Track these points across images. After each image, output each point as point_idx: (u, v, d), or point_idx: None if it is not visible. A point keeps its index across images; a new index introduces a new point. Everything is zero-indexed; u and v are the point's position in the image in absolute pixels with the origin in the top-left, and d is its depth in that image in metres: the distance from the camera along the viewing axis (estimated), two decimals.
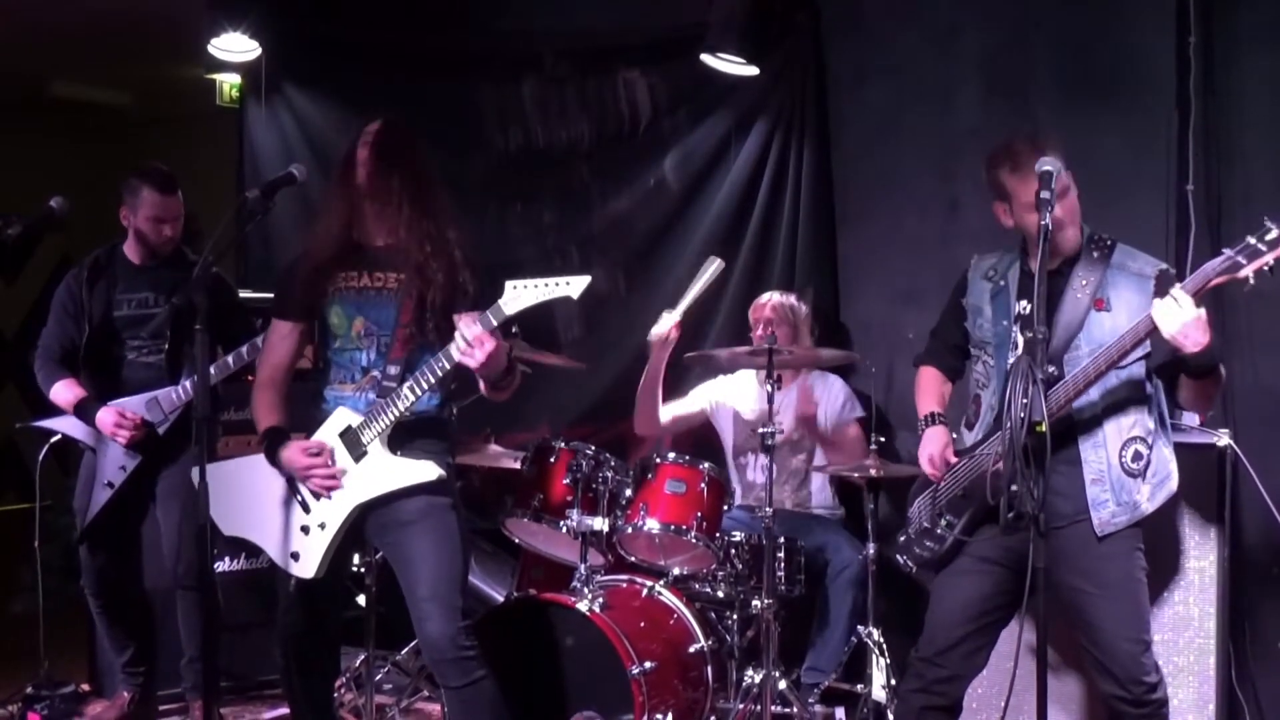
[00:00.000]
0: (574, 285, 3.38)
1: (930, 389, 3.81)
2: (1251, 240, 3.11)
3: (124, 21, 6.67)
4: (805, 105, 5.32)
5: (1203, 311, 3.14)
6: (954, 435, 3.70)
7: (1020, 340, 3.42)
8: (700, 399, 5.20)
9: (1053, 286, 3.40)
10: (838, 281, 5.36)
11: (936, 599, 3.64)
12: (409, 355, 3.54)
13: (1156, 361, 3.40)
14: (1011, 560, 3.40)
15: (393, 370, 3.53)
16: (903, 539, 3.73)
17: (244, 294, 5.16)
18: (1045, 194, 3.18)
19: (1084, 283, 3.43)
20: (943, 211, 5.00)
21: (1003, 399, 3.38)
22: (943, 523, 3.58)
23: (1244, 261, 3.10)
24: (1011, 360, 3.40)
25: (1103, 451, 3.42)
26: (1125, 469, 3.43)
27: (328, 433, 3.56)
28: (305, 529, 3.59)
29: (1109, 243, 3.49)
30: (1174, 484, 3.53)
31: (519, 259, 5.85)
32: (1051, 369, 3.35)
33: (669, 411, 5.10)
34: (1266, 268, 3.10)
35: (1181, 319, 3.12)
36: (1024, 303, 3.48)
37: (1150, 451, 3.46)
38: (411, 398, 3.47)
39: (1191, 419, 4.24)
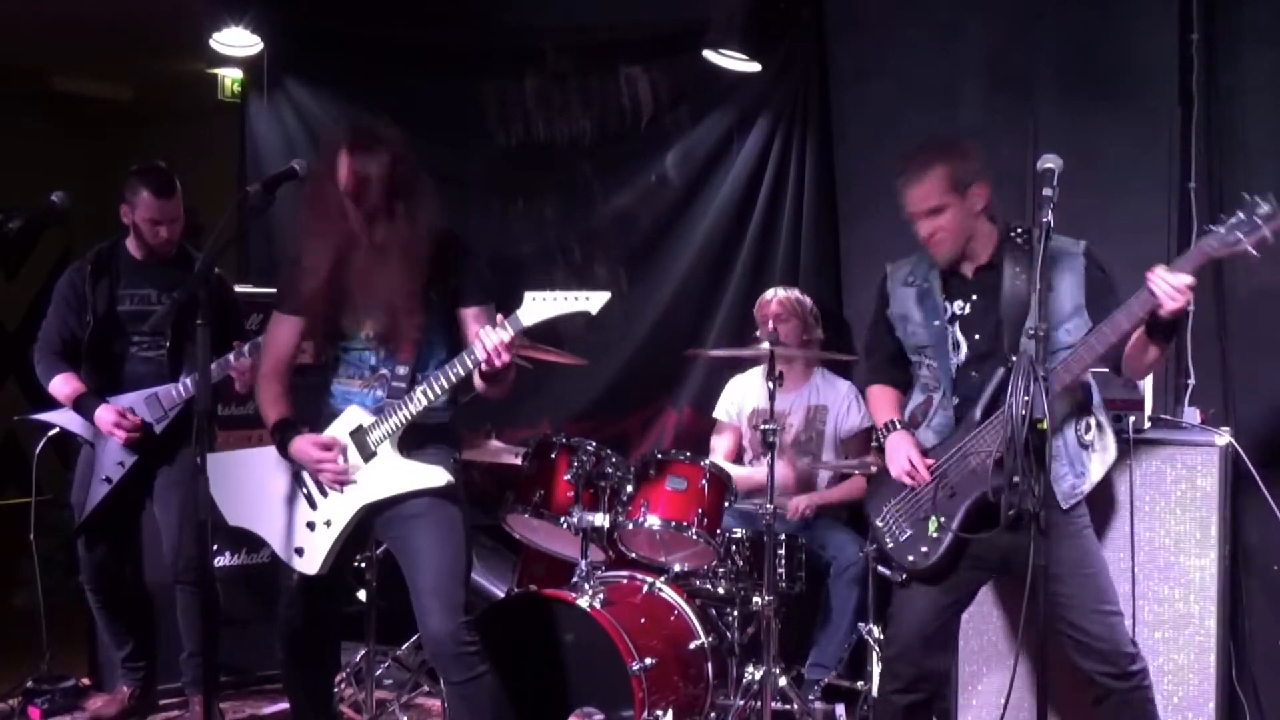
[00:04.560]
0: (593, 301, 3.38)
1: (881, 401, 3.80)
2: (1243, 215, 3.12)
3: (126, 16, 6.66)
4: (807, 102, 5.32)
5: (1194, 280, 3.17)
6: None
7: (962, 340, 3.52)
8: (725, 421, 5.17)
9: (989, 281, 3.50)
10: (840, 278, 5.37)
11: (906, 598, 3.64)
12: (417, 355, 3.55)
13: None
14: (985, 555, 3.50)
15: (401, 371, 3.54)
16: (876, 549, 3.71)
17: (245, 289, 5.16)
18: (1047, 191, 3.21)
19: (1017, 269, 3.46)
20: None
21: (964, 395, 3.50)
22: (934, 525, 3.54)
23: (1242, 236, 3.13)
24: (957, 359, 3.53)
25: (1060, 430, 3.45)
26: (1081, 442, 3.49)
27: (338, 431, 3.57)
28: (311, 525, 3.59)
29: (1027, 231, 3.51)
30: (1113, 453, 3.60)
31: (520, 255, 5.85)
32: (1013, 359, 3.36)
33: (731, 466, 4.97)
34: (1268, 240, 3.11)
35: (1174, 280, 3.15)
36: (959, 303, 3.54)
37: (1095, 423, 3.52)
38: (425, 401, 3.47)
39: (1192, 417, 4.24)
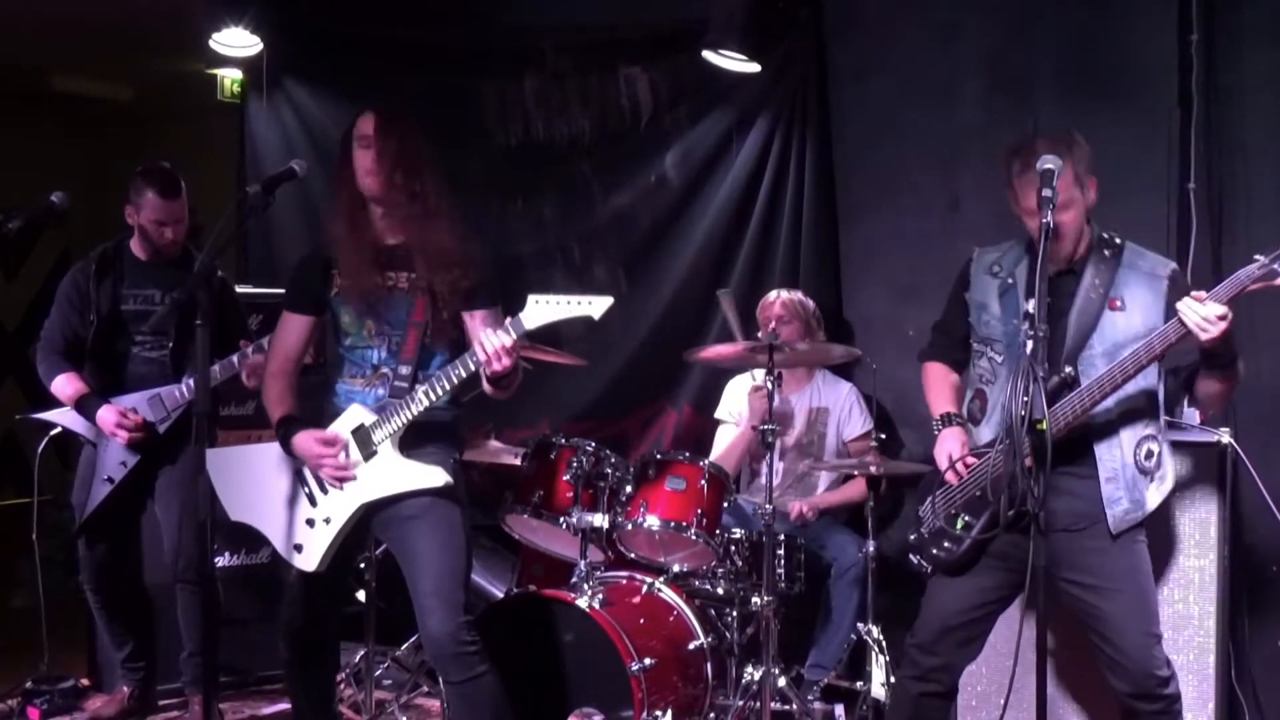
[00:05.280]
0: (596, 306, 3.38)
1: (942, 387, 3.76)
2: None
3: (125, 16, 6.67)
4: (807, 102, 5.32)
5: (1226, 309, 3.14)
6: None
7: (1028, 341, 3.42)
8: (727, 421, 5.16)
9: (1065, 287, 3.41)
10: (839, 278, 5.36)
11: (936, 587, 3.63)
12: (420, 354, 3.56)
13: (1174, 362, 3.39)
14: (1017, 555, 3.40)
15: (404, 370, 3.55)
16: (914, 538, 3.68)
17: (245, 289, 5.16)
18: (1046, 191, 3.18)
19: (1096, 282, 3.42)
20: (944, 208, 5.00)
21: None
22: (960, 523, 3.54)
23: (1279, 269, 3.09)
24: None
25: (1118, 451, 3.42)
26: (1140, 467, 3.43)
27: (340, 428, 3.57)
28: (310, 522, 3.60)
29: (1118, 242, 3.48)
30: (1171, 482, 3.55)
31: (520, 254, 5.85)
32: (1067, 369, 3.36)
33: (725, 460, 4.95)
34: None
35: (1203, 311, 3.13)
36: (1033, 302, 3.46)
37: (1159, 450, 3.47)
38: (426, 402, 3.48)
39: (1192, 417, 4.23)
